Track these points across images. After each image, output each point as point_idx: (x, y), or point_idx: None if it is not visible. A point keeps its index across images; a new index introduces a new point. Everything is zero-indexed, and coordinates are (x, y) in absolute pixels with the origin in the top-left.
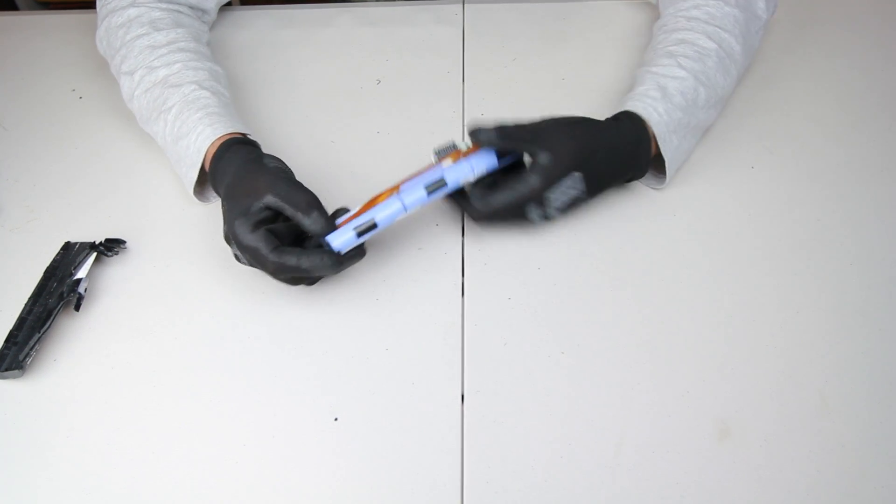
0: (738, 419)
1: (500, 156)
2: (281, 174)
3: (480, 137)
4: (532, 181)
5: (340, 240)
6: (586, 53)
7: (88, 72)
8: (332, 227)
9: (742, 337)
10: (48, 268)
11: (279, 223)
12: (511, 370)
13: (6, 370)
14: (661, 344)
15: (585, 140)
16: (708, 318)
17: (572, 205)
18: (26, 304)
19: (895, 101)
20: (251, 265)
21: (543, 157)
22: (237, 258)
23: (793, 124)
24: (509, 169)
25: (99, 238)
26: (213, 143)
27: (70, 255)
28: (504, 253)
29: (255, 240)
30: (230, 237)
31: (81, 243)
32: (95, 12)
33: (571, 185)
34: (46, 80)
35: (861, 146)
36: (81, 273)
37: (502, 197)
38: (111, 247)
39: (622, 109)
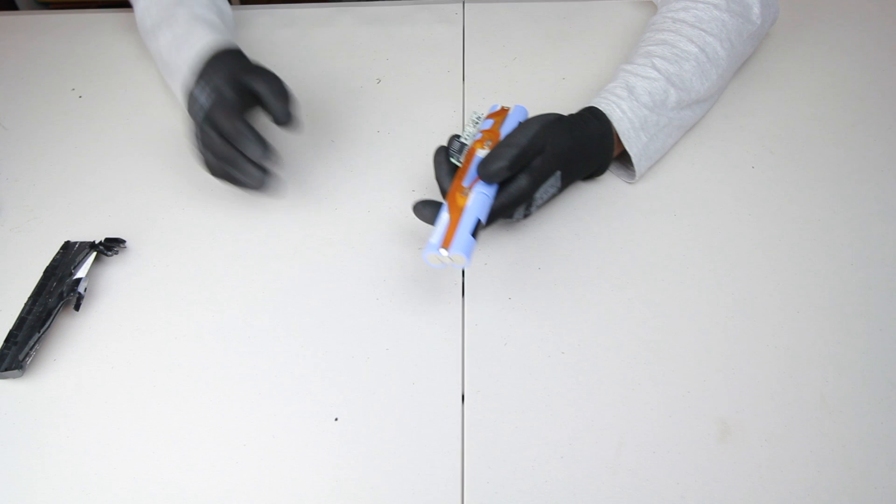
0: (738, 419)
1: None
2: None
3: (493, 179)
4: (523, 183)
5: (461, 245)
6: (586, 53)
7: (88, 72)
8: (290, 117)
9: (742, 337)
10: (48, 267)
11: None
12: (511, 370)
13: (6, 370)
14: (661, 344)
15: (565, 140)
16: (708, 318)
17: (548, 201)
18: (26, 304)
19: (895, 100)
20: (189, 109)
21: (536, 161)
22: (192, 98)
23: (793, 124)
24: None
25: (99, 238)
26: (212, 49)
27: (70, 254)
28: (504, 253)
29: (224, 88)
30: (200, 77)
31: (81, 243)
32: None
33: (553, 183)
34: (46, 79)
35: (861, 146)
36: (81, 273)
37: (497, 203)
38: (111, 246)
39: (589, 105)
